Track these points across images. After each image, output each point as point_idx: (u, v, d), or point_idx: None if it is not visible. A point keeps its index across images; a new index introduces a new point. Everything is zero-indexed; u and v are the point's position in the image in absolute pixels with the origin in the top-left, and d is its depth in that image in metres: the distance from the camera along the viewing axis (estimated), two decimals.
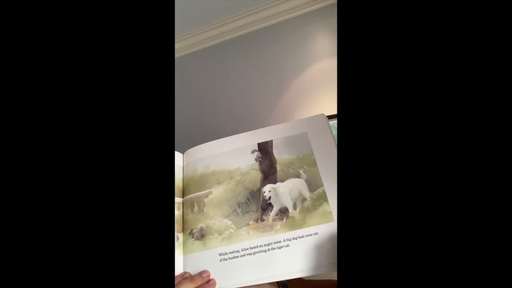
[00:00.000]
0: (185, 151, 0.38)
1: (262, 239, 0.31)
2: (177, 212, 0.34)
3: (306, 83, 1.35)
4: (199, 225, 0.33)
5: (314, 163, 0.33)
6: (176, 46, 1.62)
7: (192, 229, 0.33)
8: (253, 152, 0.36)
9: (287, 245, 0.30)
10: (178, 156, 0.37)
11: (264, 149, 0.35)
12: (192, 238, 0.33)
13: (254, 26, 1.49)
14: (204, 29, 1.56)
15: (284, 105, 1.39)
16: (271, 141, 0.36)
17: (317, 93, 1.32)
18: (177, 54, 1.65)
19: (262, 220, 0.32)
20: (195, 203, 0.34)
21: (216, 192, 0.34)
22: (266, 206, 0.33)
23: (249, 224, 0.32)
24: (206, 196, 0.34)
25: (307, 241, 0.30)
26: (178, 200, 0.35)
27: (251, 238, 0.31)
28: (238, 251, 0.31)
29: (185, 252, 0.32)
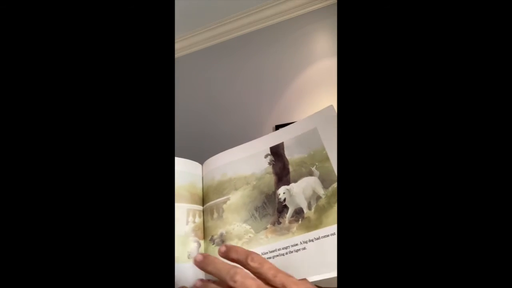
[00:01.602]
0: (203, 160, 0.39)
1: (279, 242, 0.31)
2: (199, 220, 0.34)
3: (306, 83, 1.35)
4: (219, 231, 0.33)
5: (326, 158, 0.33)
6: (176, 46, 1.62)
7: (212, 235, 0.34)
8: (266, 156, 0.36)
9: (304, 248, 0.30)
10: (197, 166, 0.38)
11: (276, 152, 0.36)
12: (213, 244, 0.33)
13: (254, 26, 1.49)
14: (204, 29, 1.56)
15: (284, 105, 1.39)
16: (282, 143, 0.36)
17: (317, 93, 1.32)
18: (177, 54, 1.65)
19: (279, 223, 0.32)
20: (214, 210, 0.35)
21: (234, 198, 0.35)
22: (282, 208, 0.32)
23: (266, 228, 0.32)
24: (225, 202, 0.35)
25: (323, 242, 0.29)
26: (199, 208, 0.35)
27: (269, 241, 0.31)
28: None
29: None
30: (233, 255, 0.25)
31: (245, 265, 0.24)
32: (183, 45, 1.64)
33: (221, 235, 0.33)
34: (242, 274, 0.23)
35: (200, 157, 0.39)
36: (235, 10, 1.44)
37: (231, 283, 0.22)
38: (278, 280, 0.23)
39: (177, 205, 0.33)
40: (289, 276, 0.24)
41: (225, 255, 0.25)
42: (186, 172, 0.36)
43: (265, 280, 0.23)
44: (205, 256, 0.26)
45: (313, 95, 1.33)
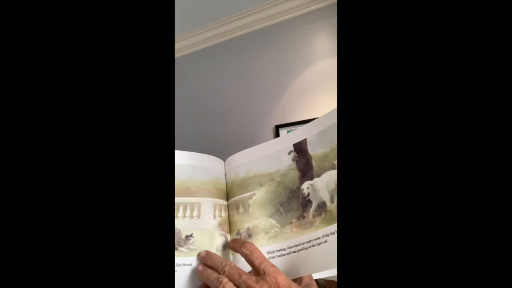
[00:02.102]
0: (226, 158, 0.40)
1: (303, 236, 0.31)
2: (224, 214, 0.35)
3: (306, 83, 1.35)
4: (246, 225, 0.34)
5: None
6: (176, 46, 1.62)
7: (239, 230, 0.34)
8: (289, 153, 0.36)
9: (325, 241, 0.30)
10: (220, 162, 0.39)
11: (299, 148, 0.36)
12: (240, 238, 0.34)
13: (254, 26, 1.49)
14: (204, 29, 1.56)
15: (284, 105, 1.39)
16: (305, 139, 0.36)
17: (317, 93, 1.32)
18: (177, 54, 1.65)
19: (303, 217, 0.33)
20: (240, 205, 0.36)
21: (259, 194, 0.35)
22: (306, 203, 0.33)
23: (291, 222, 0.33)
24: (250, 197, 0.35)
25: None
26: (224, 202, 0.36)
27: (294, 236, 0.32)
28: (284, 249, 0.32)
29: (233, 253, 0.33)
30: (209, 262, 0.30)
31: (219, 271, 0.28)
32: (183, 45, 1.64)
33: (248, 229, 0.34)
34: (231, 266, 0.28)
35: (182, 146, 0.40)
36: (235, 10, 1.44)
37: (221, 273, 0.28)
38: (262, 267, 0.27)
39: (204, 199, 0.34)
40: (273, 266, 0.27)
41: (203, 260, 0.30)
42: (210, 167, 0.36)
43: (253, 267, 0.28)
44: (207, 252, 0.31)
45: (313, 95, 1.33)
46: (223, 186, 0.37)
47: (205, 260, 0.30)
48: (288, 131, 1.34)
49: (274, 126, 1.38)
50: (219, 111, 1.53)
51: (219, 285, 0.27)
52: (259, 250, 0.29)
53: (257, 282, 0.26)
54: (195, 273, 0.30)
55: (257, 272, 0.27)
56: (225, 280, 0.27)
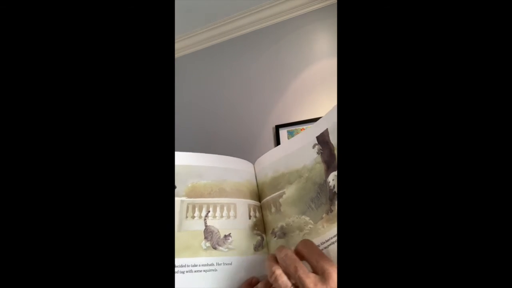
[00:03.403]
0: (255, 160, 0.40)
1: (332, 230, 0.31)
2: (259, 215, 0.35)
3: (306, 83, 1.35)
4: (279, 224, 0.34)
5: None
6: (176, 46, 1.62)
7: (273, 229, 0.34)
8: (314, 146, 0.36)
9: None
10: (250, 165, 0.39)
11: (323, 140, 0.35)
12: (275, 237, 0.33)
13: (254, 26, 1.49)
14: (204, 29, 1.56)
15: (284, 105, 1.39)
16: (326, 129, 0.35)
17: (317, 93, 1.32)
18: (177, 54, 1.65)
19: (331, 211, 0.32)
20: (271, 205, 0.35)
21: (289, 192, 0.35)
22: (333, 195, 0.32)
23: (322, 217, 0.32)
24: (281, 196, 0.35)
25: None
26: (257, 203, 0.36)
27: (325, 231, 0.31)
28: (318, 245, 0.31)
29: (270, 251, 0.33)
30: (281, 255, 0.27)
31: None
32: (183, 45, 1.64)
33: (282, 228, 0.34)
34: (287, 255, 0.26)
35: (182, 146, 0.40)
36: (235, 10, 1.44)
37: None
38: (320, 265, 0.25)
39: (239, 200, 0.34)
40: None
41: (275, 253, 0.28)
42: (242, 170, 0.37)
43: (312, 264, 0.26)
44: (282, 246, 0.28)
45: (313, 95, 1.33)
46: (255, 188, 0.37)
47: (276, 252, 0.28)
48: (288, 131, 1.34)
49: (274, 126, 1.38)
50: (219, 111, 1.52)
51: (272, 275, 0.25)
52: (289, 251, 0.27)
53: (315, 284, 0.23)
54: (236, 272, 0.30)
55: (316, 270, 0.25)
56: (278, 271, 0.25)
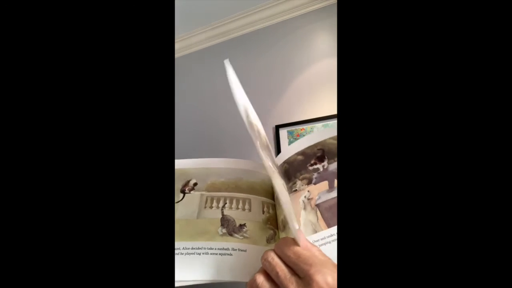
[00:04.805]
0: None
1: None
2: (272, 211, 0.38)
3: (306, 83, 1.35)
4: (281, 218, 0.36)
5: None
6: (176, 46, 1.62)
7: (279, 223, 0.36)
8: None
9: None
10: (263, 167, 0.41)
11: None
12: (281, 230, 0.35)
13: (254, 26, 1.49)
14: (204, 29, 1.56)
15: (284, 105, 1.39)
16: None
17: (317, 93, 1.32)
18: (177, 54, 1.65)
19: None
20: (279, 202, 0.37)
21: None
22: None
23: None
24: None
25: None
26: (271, 201, 0.38)
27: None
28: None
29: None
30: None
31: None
32: (183, 45, 1.64)
33: (282, 220, 0.35)
34: (273, 259, 0.25)
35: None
36: (235, 10, 1.44)
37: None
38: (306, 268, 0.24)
39: (254, 196, 0.37)
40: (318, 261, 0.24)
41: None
42: (258, 172, 0.39)
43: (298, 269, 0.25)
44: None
45: (313, 95, 1.33)
46: (269, 187, 0.40)
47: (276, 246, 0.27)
48: (288, 131, 1.34)
49: (274, 126, 1.38)
50: (218, 111, 1.52)
51: (253, 284, 0.25)
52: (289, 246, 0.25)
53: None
54: (250, 259, 0.31)
55: (297, 273, 0.24)
56: (260, 280, 0.25)
